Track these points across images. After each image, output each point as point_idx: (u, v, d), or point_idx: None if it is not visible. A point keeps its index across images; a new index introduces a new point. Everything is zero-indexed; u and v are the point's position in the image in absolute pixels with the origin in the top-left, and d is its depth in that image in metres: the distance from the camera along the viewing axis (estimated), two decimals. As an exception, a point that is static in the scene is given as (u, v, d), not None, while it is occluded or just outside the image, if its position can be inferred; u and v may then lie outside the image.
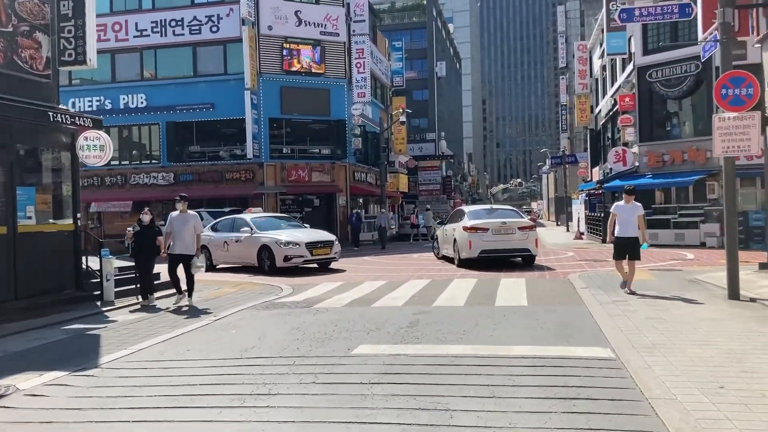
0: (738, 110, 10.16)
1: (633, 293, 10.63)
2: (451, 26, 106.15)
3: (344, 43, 33.39)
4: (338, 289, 13.20)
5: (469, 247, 16.14)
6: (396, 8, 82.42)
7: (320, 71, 32.67)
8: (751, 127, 10.12)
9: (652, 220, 24.94)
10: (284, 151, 32.35)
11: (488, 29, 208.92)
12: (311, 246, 16.88)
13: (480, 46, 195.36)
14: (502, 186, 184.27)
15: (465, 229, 16.39)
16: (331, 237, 17.95)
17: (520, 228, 16.30)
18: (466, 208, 18.50)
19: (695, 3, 11.60)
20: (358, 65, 33.23)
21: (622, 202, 11.26)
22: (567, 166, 52.67)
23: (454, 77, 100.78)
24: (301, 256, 16.63)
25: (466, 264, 16.76)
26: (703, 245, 22.99)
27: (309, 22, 32.32)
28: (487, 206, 20.04)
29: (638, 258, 11.05)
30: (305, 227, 19.35)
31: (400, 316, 9.50)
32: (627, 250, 10.96)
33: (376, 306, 10.67)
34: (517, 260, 17.31)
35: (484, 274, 15.11)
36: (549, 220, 70.98)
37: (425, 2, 76.46)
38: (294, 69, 32.11)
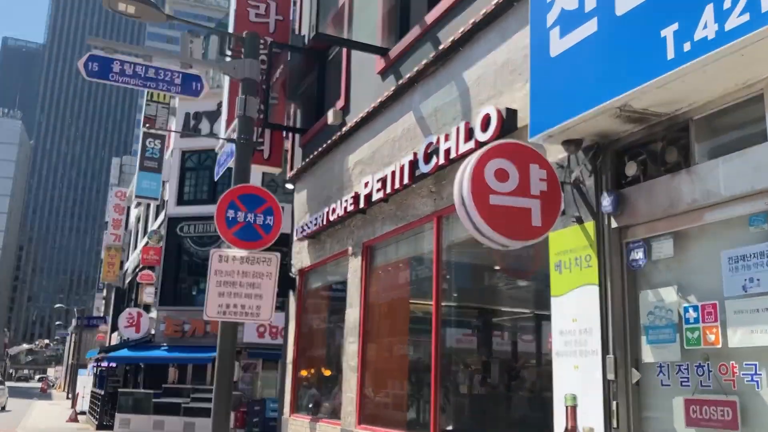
0: (251, 246, 6.33)
1: None
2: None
3: None
4: None
5: None
6: None
7: None
8: (265, 276, 6.31)
9: (162, 405, 20.07)
10: None
11: (41, 171, 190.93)
12: None
13: (28, 186, 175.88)
14: (26, 346, 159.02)
15: None
16: None
17: None
18: None
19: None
20: None
21: None
22: (92, 328, 45.18)
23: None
24: None
25: None
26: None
27: None
28: None
29: None
30: None
31: None
32: None
33: None
34: None
35: None
36: (63, 390, 59.82)
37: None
38: None
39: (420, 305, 6.83)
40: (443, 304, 6.03)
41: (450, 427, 5.71)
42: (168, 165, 23.63)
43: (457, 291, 6.39)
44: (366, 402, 7.03)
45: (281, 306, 21.69)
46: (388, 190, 6.57)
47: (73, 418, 25.03)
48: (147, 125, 23.47)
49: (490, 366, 5.98)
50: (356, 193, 7.31)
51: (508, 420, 5.45)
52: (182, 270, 22.93)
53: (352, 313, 7.53)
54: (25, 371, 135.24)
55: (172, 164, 23.28)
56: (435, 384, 5.75)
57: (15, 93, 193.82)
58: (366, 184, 7.08)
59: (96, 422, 22.05)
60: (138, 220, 32.17)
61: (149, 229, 26.03)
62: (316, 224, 8.52)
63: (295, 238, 9.52)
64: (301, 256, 9.50)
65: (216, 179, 11.19)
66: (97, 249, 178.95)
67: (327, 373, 8.81)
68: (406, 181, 6.24)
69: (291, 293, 9.60)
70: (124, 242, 36.63)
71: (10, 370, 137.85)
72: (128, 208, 36.82)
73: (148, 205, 28.47)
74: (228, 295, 6.20)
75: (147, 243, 24.21)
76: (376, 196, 6.82)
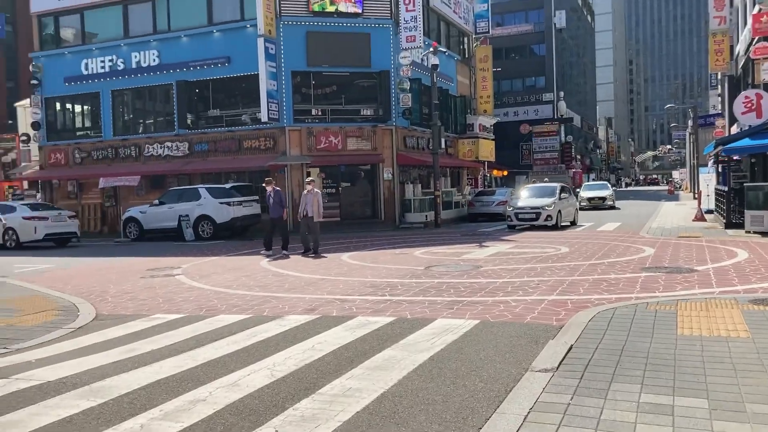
0: None
1: None
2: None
3: (389, -26, 26.76)
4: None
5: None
6: (511, -46, 73.28)
7: (357, 11, 26.32)
8: None
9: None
10: (313, 113, 26.48)
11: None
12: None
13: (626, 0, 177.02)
14: (650, 153, 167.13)
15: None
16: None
17: None
18: None
19: None
20: (407, 1, 26.42)
21: None
22: (708, 127, 42.50)
23: (583, 32, 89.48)
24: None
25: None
26: None
27: (343, -51, 26.05)
28: None
29: None
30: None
31: None
32: None
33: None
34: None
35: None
36: (689, 191, 59.52)
37: (543, -56, 66.83)
38: (324, 10, 26.02)
39: None
40: None
41: None
42: None
43: None
44: None
45: None
46: None
47: (699, 217, 23.60)
48: None
49: None
50: None
51: None
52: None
53: None
54: (654, 176, 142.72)
55: None
56: None
57: None
58: None
59: (724, 220, 20.01)
60: (743, -11, 26.93)
61: (758, -7, 21.09)
62: None
63: None
64: None
65: None
66: (705, 47, 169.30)
67: None
68: None
69: None
70: (732, 24, 31.67)
71: (640, 176, 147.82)
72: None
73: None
74: None
75: (759, 10, 19.63)
76: None
